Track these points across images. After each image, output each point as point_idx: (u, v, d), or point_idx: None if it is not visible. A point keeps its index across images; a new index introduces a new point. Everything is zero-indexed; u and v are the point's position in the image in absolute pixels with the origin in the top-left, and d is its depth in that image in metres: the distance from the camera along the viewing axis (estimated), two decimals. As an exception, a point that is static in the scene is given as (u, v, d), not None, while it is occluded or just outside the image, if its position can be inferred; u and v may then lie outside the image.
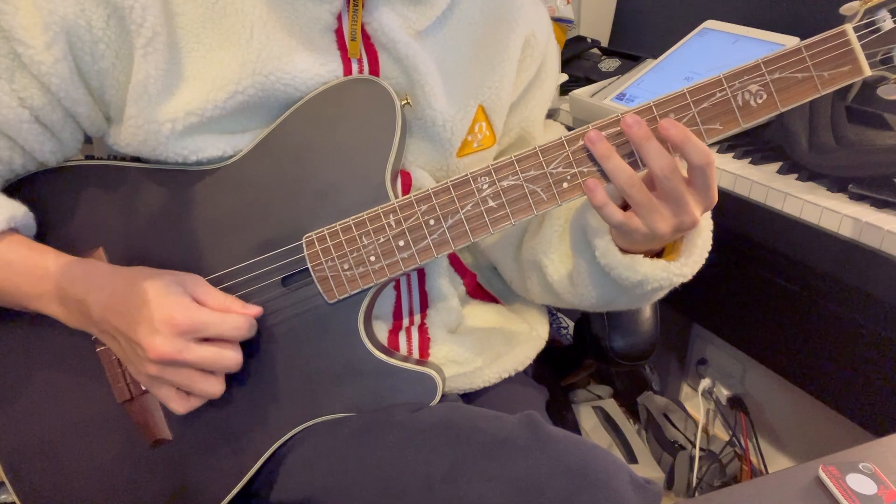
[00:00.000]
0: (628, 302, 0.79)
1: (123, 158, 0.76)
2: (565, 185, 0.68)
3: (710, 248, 0.73)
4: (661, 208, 0.65)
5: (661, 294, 0.77)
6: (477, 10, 0.80)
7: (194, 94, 0.69)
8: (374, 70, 0.75)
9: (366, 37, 0.74)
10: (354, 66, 0.74)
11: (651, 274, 0.71)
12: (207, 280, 0.73)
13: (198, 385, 0.67)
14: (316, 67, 0.72)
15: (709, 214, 0.74)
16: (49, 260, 0.70)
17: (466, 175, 0.69)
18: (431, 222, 0.70)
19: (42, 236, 0.74)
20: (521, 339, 0.90)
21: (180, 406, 0.68)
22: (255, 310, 0.70)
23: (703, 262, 0.73)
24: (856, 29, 0.64)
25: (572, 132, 0.68)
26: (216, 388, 0.68)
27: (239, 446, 0.74)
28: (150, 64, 0.68)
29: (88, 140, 0.82)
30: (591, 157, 0.68)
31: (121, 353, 0.70)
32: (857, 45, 0.64)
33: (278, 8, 0.70)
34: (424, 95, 0.75)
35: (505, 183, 0.69)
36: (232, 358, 0.68)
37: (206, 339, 0.67)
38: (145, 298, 0.65)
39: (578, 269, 0.77)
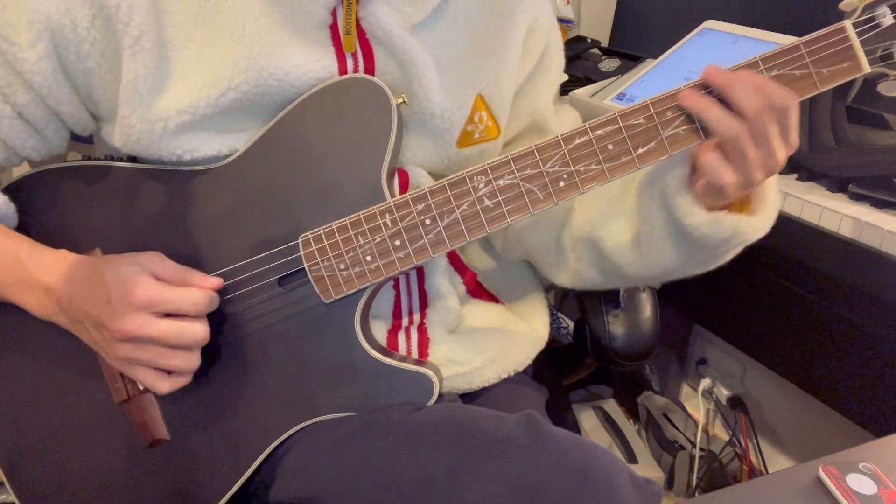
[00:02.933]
0: (700, 263, 0.76)
1: (121, 159, 0.76)
2: (562, 183, 0.68)
3: (779, 204, 0.73)
4: (756, 156, 0.64)
5: (734, 253, 0.75)
6: (473, 1, 0.80)
7: (187, 92, 0.69)
8: (370, 65, 0.75)
9: (361, 31, 0.74)
10: (349, 61, 0.74)
11: (739, 228, 0.69)
12: None
13: (170, 360, 0.67)
14: (310, 63, 0.71)
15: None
16: (22, 249, 0.70)
17: (463, 174, 0.69)
18: (427, 222, 0.70)
19: (38, 236, 0.73)
20: (521, 339, 0.89)
21: (163, 384, 0.68)
22: (214, 282, 0.70)
23: (776, 216, 0.73)
24: (855, 25, 0.63)
25: (568, 132, 0.68)
26: (190, 361, 0.68)
27: (237, 446, 0.74)
28: (139, 63, 0.68)
29: (89, 140, 0.82)
30: (587, 156, 0.67)
31: (92, 342, 0.70)
32: (856, 41, 0.63)
33: (271, 3, 0.70)
34: (422, 88, 0.75)
35: (501, 182, 0.69)
36: (198, 331, 0.68)
37: (171, 316, 0.67)
38: (104, 281, 0.66)
39: (652, 235, 0.74)
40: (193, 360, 0.69)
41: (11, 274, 0.70)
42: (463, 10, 0.79)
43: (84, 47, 0.68)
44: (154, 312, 0.66)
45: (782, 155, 0.65)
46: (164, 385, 0.68)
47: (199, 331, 0.68)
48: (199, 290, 0.69)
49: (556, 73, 0.90)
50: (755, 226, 0.70)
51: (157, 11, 0.68)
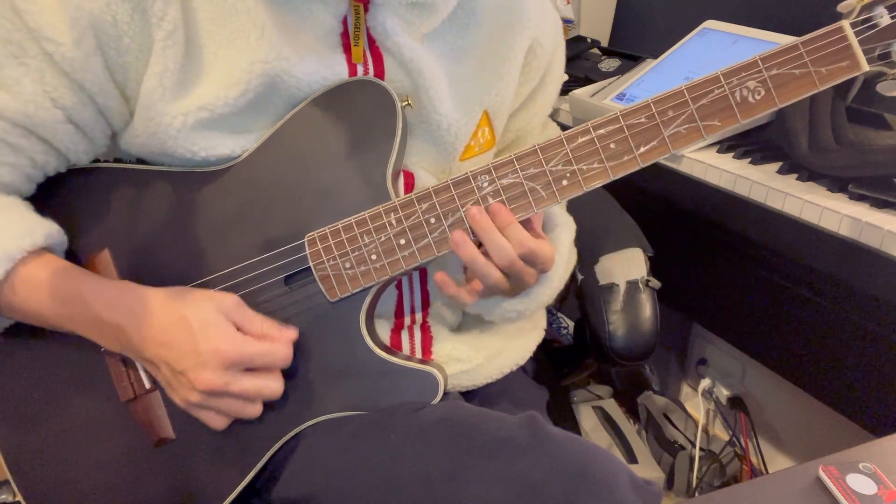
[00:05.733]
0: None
1: (129, 161, 0.76)
2: (565, 182, 0.69)
3: (561, 282, 0.83)
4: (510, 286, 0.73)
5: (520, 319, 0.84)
6: (486, 13, 0.80)
7: (206, 90, 0.69)
8: (379, 73, 0.75)
9: (371, 40, 0.74)
10: (360, 68, 0.74)
11: (504, 306, 0.80)
12: (210, 279, 0.73)
13: (242, 411, 0.70)
14: (322, 70, 0.72)
15: (572, 236, 0.86)
16: (82, 283, 0.70)
17: (467, 173, 0.69)
18: (432, 220, 0.70)
19: None
20: (521, 332, 0.90)
21: (221, 424, 0.71)
22: (292, 333, 0.71)
23: (548, 296, 0.82)
24: (853, 25, 0.64)
25: (571, 130, 0.68)
26: (256, 411, 0.71)
27: (242, 445, 0.74)
28: (169, 57, 0.68)
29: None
30: (590, 155, 0.68)
31: (163, 380, 0.71)
32: (854, 40, 0.64)
33: (283, 10, 0.70)
34: (430, 99, 0.75)
35: (505, 181, 0.69)
36: (275, 389, 0.71)
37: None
38: (189, 329, 0.66)
39: None
40: (258, 410, 0.71)
41: (69, 307, 0.69)
42: (475, 22, 0.79)
43: (124, 42, 0.67)
44: (240, 369, 0.68)
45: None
46: (223, 424, 0.71)
47: (277, 388, 0.71)
48: (283, 345, 0.70)
49: (553, 95, 0.91)
50: (505, 308, 0.80)
51: (187, 8, 0.68)
